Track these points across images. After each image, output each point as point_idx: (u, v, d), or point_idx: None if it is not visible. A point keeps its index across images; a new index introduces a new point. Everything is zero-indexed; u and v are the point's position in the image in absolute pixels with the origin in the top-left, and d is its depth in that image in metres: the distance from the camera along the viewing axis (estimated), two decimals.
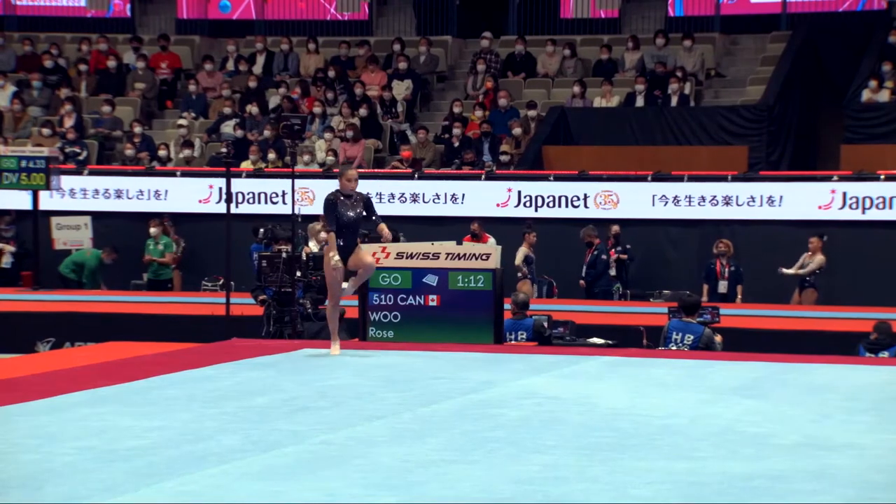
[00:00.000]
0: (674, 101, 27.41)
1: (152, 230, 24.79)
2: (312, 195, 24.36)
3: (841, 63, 27.72)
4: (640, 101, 27.65)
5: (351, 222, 13.20)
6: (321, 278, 16.40)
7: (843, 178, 23.86)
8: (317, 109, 28.51)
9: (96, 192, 26.73)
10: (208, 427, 10.19)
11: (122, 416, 10.67)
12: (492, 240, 20.40)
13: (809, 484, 8.36)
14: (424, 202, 25.28)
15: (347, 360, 14.74)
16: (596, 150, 26.25)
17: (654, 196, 24.56)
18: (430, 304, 16.72)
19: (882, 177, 23.68)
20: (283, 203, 22.79)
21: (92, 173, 27.09)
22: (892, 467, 9.21)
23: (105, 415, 10.72)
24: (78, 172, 26.81)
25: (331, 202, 13.44)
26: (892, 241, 23.15)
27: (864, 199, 23.55)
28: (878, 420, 11.08)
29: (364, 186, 24.34)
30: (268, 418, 10.76)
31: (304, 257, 18.47)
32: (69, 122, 29.07)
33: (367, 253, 13.40)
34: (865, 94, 26.47)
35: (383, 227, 14.41)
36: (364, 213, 14.05)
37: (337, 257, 13.89)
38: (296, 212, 19.23)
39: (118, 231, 26.10)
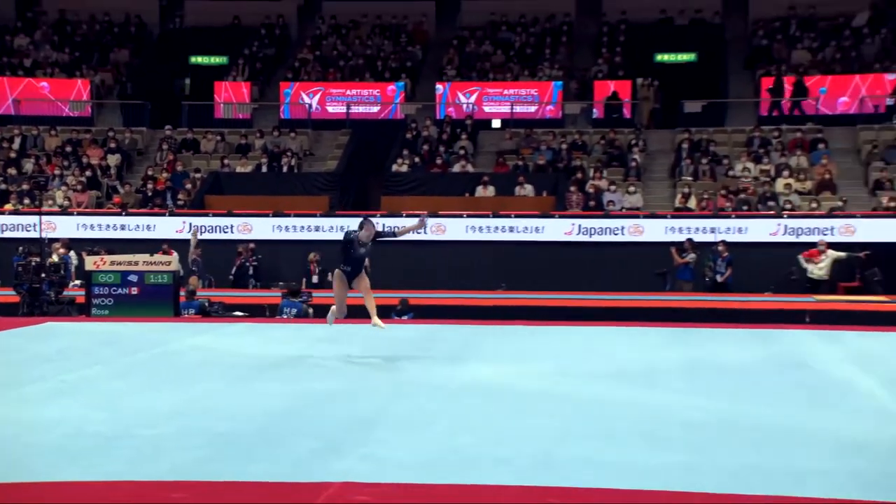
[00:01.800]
0: (285, 168, 27.48)
1: None
2: (55, 226, 24.10)
3: (381, 148, 28.21)
4: (264, 169, 27.64)
5: (360, 257, 11.53)
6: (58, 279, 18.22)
7: (383, 216, 24.29)
8: (56, 172, 27.56)
9: None
10: None
11: None
12: (175, 254, 20.24)
13: None
14: (130, 230, 24.79)
15: (76, 328, 14.50)
16: (239, 198, 26.07)
17: (273, 225, 24.78)
18: (133, 292, 16.95)
19: (403, 213, 24.28)
20: (34, 230, 21.95)
21: None
22: None
23: None
24: None
25: (349, 241, 11.51)
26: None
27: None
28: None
29: (94, 220, 24.09)
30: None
31: (48, 264, 18.61)
32: None
33: (365, 279, 11.82)
34: (394, 167, 27.11)
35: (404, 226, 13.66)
36: (368, 254, 11.86)
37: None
38: (42, 236, 20.61)
39: None
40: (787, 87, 28.27)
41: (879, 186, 24.74)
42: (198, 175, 27.41)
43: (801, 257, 21.63)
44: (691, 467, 6.54)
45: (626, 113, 29.19)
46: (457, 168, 27.08)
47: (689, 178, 25.83)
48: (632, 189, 25.52)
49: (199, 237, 23.26)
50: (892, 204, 23.66)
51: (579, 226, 23.70)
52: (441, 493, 5.97)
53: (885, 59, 28.80)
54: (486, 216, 24.07)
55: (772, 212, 23.73)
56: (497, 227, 23.73)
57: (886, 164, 25.62)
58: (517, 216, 23.83)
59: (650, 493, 5.96)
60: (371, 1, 33.87)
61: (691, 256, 21.96)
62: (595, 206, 24.77)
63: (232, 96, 31.05)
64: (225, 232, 24.60)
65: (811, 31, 30.39)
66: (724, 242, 21.95)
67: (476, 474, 6.33)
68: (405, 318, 17.15)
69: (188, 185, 26.95)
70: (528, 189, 25.51)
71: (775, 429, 7.74)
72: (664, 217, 23.74)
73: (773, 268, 21.90)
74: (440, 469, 6.47)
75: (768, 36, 30.60)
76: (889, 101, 27.70)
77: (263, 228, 24.64)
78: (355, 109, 30.02)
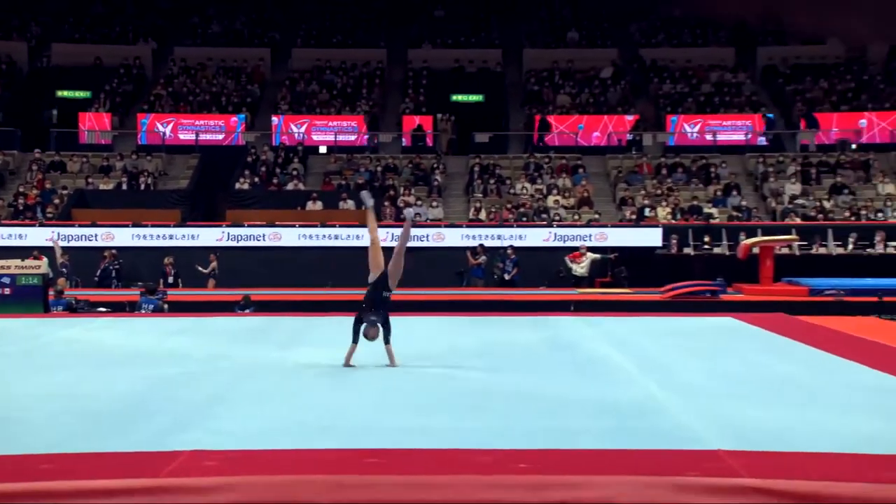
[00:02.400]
0: (143, 186, 26.50)
1: None
2: None
3: (226, 169, 27.53)
4: (125, 186, 26.61)
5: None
6: None
7: (228, 226, 23.78)
8: None
9: None
10: None
11: None
12: (45, 259, 19.01)
13: None
14: (3, 238, 23.18)
15: None
16: (102, 211, 24.90)
17: (133, 234, 23.56)
18: (6, 293, 15.98)
19: (245, 224, 23.76)
20: None
21: None
22: None
23: None
24: None
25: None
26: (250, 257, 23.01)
27: (238, 235, 23.49)
28: None
29: None
30: None
31: None
32: None
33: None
34: (237, 185, 26.53)
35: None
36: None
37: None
38: None
39: None
40: (556, 124, 29.03)
41: (624, 203, 25.65)
42: (65, 192, 26.03)
43: (566, 258, 22.11)
44: (493, 429, 6.56)
45: (429, 142, 29.40)
46: (290, 186, 26.68)
47: (480, 195, 26.18)
48: (434, 204, 25.70)
49: (62, 245, 22.00)
50: (633, 217, 24.55)
51: (392, 234, 23.56)
52: (277, 457, 5.83)
53: (625, 103, 30.07)
54: (315, 226, 23.77)
55: (544, 222, 24.25)
56: (324, 235, 23.46)
57: (629, 185, 26.59)
58: (341, 226, 23.60)
59: (459, 452, 5.92)
60: (215, 47, 33.49)
61: (483, 258, 22.20)
62: (404, 218, 24.74)
63: (95, 125, 29.77)
64: (90, 240, 23.37)
65: (570, 80, 31.37)
66: (512, 247, 22.27)
67: (306, 441, 6.24)
68: (247, 311, 16.73)
69: (56, 200, 25.58)
70: (350, 204, 25.32)
71: (554, 397, 7.85)
72: (461, 227, 23.96)
73: (547, 267, 22.31)
74: (276, 437, 6.33)
75: (538, 83, 31.37)
76: (629, 136, 28.78)
77: (124, 237, 23.50)
78: (203, 137, 29.24)
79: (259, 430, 6.57)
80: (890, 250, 22.51)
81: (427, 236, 23.43)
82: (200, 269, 22.17)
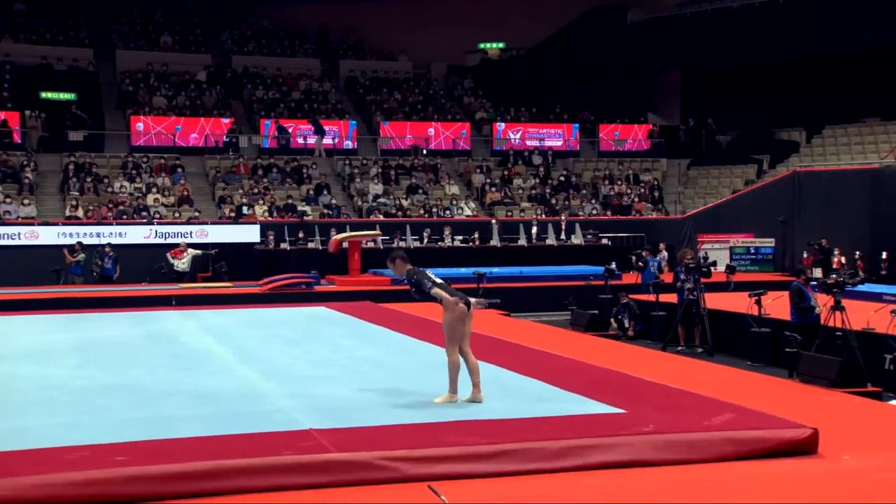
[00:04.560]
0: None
1: None
2: None
3: None
4: None
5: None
6: None
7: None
8: None
9: None
10: None
11: None
12: None
13: None
14: None
15: None
16: None
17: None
18: None
19: None
20: None
21: None
22: None
23: None
24: None
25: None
26: None
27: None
28: None
29: None
30: None
31: None
32: None
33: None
34: None
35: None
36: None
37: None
38: None
39: None
40: (153, 124, 27.92)
41: (223, 201, 25.37)
42: None
43: (168, 255, 21.46)
44: (77, 425, 6.22)
45: (17, 138, 26.84)
46: None
47: (77, 193, 24.44)
48: (26, 202, 23.55)
49: None
50: (232, 214, 24.38)
51: None
52: None
53: (220, 107, 29.77)
54: None
55: (145, 220, 23.27)
56: None
57: (227, 184, 26.35)
58: None
59: (49, 451, 5.49)
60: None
61: (81, 256, 20.81)
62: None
63: None
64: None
65: (166, 83, 30.37)
66: (110, 245, 21.10)
67: None
68: None
69: None
70: None
71: (151, 388, 7.59)
72: (56, 224, 22.23)
73: (148, 263, 21.49)
74: None
75: (133, 84, 30.00)
76: (226, 138, 28.48)
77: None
78: None
79: None
80: (456, 243, 24.53)
81: (19, 234, 21.50)
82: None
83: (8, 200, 23.20)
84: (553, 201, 27.96)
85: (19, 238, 21.42)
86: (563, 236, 24.91)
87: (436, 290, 6.83)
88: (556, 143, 31.30)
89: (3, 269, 20.66)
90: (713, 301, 13.91)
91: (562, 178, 29.52)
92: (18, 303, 16.86)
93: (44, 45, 30.30)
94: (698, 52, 30.80)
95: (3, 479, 4.89)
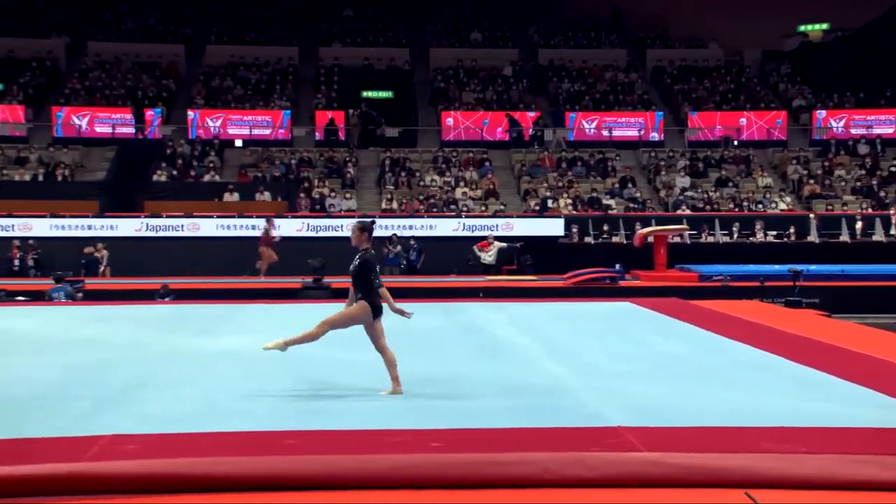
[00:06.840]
0: (60, 178, 25.55)
1: None
2: None
3: (142, 161, 26.74)
4: (41, 178, 25.46)
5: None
6: None
7: (147, 217, 23.32)
8: None
9: None
10: None
11: None
12: None
13: None
14: None
15: None
16: (19, 202, 23.77)
17: (52, 225, 22.85)
18: None
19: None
20: None
21: None
22: None
23: None
24: None
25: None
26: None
27: (157, 226, 22.93)
28: None
29: None
30: None
31: None
32: None
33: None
34: (155, 177, 25.80)
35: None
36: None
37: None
38: None
39: None
40: (462, 119, 29.06)
41: (528, 194, 25.86)
42: None
43: (475, 247, 22.17)
44: (398, 410, 6.49)
45: (341, 136, 29.11)
46: (207, 178, 26.12)
47: (392, 187, 26.06)
48: (348, 195, 25.49)
49: None
50: (537, 207, 24.76)
51: (308, 224, 23.50)
52: (197, 440, 5.66)
53: (527, 100, 30.31)
54: (233, 216, 23.35)
55: (453, 213, 24.28)
56: (242, 226, 23.02)
57: (532, 178, 26.80)
58: (258, 216, 23.20)
59: (375, 433, 5.81)
60: (130, 43, 32.41)
61: (398, 248, 22.09)
62: (319, 209, 24.56)
63: (9, 117, 28.62)
64: (7, 230, 22.48)
65: (475, 79, 31.46)
66: (414, 237, 22.17)
67: (225, 424, 6.06)
68: (167, 299, 16.33)
69: None
70: (267, 195, 24.98)
71: (466, 378, 7.84)
72: (374, 217, 23.78)
73: (456, 255, 22.33)
74: (196, 421, 6.15)
75: (444, 80, 31.37)
76: (531, 132, 28.99)
77: (42, 227, 22.69)
78: (120, 130, 28.36)
79: (179, 413, 6.39)
80: (769, 238, 23.23)
81: (341, 226, 23.21)
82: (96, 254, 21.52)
83: (333, 194, 25.21)
84: (882, 194, 25.69)
85: (342, 230, 22.96)
86: (892, 232, 22.83)
87: (383, 290, 7.01)
88: (887, 130, 28.67)
89: (330, 260, 22.43)
90: None
91: (893, 169, 27.00)
92: (340, 290, 18.15)
93: (366, 47, 32.58)
94: None
95: (323, 456, 5.21)
